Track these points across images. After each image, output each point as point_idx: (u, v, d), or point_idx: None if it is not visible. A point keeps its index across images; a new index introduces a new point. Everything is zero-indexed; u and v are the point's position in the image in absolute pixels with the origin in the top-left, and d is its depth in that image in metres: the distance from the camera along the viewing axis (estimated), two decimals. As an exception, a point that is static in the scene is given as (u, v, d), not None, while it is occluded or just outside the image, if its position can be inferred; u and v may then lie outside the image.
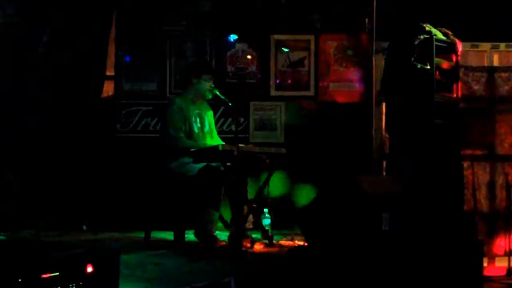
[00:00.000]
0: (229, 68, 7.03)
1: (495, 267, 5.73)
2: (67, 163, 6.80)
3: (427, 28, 5.54)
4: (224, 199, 5.25)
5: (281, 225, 5.71)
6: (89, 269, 3.14)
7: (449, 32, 5.76)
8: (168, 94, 6.94)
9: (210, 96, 5.68)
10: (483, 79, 6.16)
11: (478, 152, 6.04)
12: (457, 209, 5.26)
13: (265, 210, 5.66)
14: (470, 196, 5.92)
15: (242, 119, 6.77)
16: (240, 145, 5.25)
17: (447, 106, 5.60)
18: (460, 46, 5.79)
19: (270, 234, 5.47)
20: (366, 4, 7.03)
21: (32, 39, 7.05)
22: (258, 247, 5.30)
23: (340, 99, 6.95)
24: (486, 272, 5.26)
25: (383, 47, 6.33)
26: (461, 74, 5.90)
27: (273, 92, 7.04)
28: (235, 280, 3.95)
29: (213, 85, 5.60)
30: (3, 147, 6.70)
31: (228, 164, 5.19)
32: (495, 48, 6.92)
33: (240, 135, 5.78)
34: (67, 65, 7.11)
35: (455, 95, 5.71)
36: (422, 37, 5.47)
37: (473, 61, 6.71)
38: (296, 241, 5.48)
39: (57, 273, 2.99)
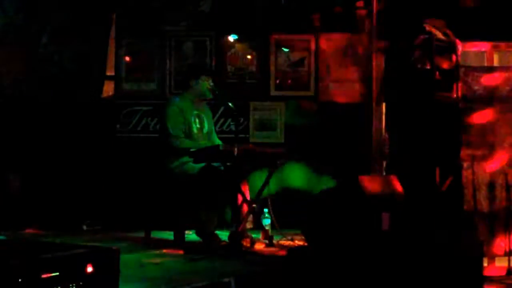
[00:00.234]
0: (229, 68, 7.03)
1: (495, 267, 5.72)
2: (67, 163, 6.81)
3: (427, 28, 5.54)
4: (224, 199, 5.25)
5: (281, 225, 5.70)
6: (89, 269, 3.14)
7: (449, 32, 5.76)
8: (168, 94, 6.94)
9: (210, 96, 5.68)
10: (483, 79, 6.16)
11: (478, 152, 6.03)
12: (457, 209, 5.25)
13: (265, 210, 5.67)
14: (470, 196, 5.92)
15: (242, 119, 6.77)
16: (240, 145, 5.25)
17: (447, 106, 5.59)
18: (460, 46, 5.79)
19: (270, 234, 5.48)
20: (366, 4, 7.04)
21: (32, 39, 7.06)
22: (258, 247, 5.30)
23: (340, 99, 6.95)
24: (486, 272, 5.26)
25: (383, 47, 6.34)
26: (461, 74, 5.90)
27: (273, 92, 7.04)
28: (235, 280, 3.95)
29: (212, 84, 5.61)
30: (4, 147, 6.71)
31: (228, 164, 5.19)
32: (495, 48, 6.93)
33: (240, 135, 5.79)
34: (67, 65, 7.11)
35: (455, 95, 5.70)
36: (422, 37, 5.47)
37: (473, 61, 6.72)
38: (296, 241, 5.48)
39: (57, 273, 2.99)
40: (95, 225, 6.41)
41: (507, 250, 5.75)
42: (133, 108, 6.99)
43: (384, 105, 6.52)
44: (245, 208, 5.38)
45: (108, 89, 7.21)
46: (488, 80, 6.13)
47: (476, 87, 6.13)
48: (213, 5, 7.10)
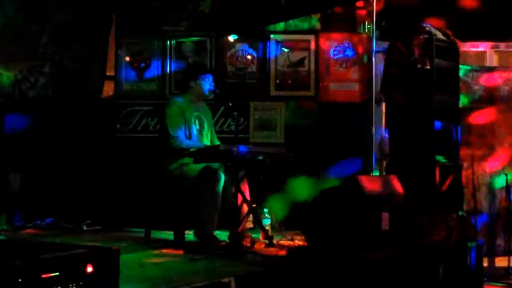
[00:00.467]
0: (229, 68, 7.03)
1: (495, 267, 5.73)
2: (67, 163, 6.81)
3: (427, 28, 5.54)
4: (224, 199, 5.25)
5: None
6: (89, 269, 3.14)
7: (449, 32, 5.76)
8: (168, 94, 6.93)
9: (210, 96, 5.69)
10: (483, 79, 6.16)
11: (478, 152, 6.04)
12: (457, 209, 5.25)
13: (265, 210, 5.67)
14: (470, 196, 5.92)
15: (242, 119, 6.77)
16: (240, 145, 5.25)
17: (447, 106, 5.59)
18: (460, 46, 5.79)
19: (270, 234, 5.48)
20: (366, 4, 7.04)
21: (32, 39, 7.06)
22: (258, 247, 5.30)
23: (340, 99, 6.94)
24: (486, 272, 5.26)
25: (383, 47, 6.34)
26: (461, 74, 5.90)
27: (273, 92, 7.03)
28: (235, 280, 3.96)
29: (212, 84, 5.61)
30: (4, 147, 6.71)
31: (228, 164, 5.19)
32: (495, 48, 6.93)
33: (240, 135, 5.79)
34: (67, 65, 7.12)
35: (455, 95, 5.70)
36: (422, 37, 5.47)
37: (473, 61, 6.72)
38: (296, 241, 5.48)
39: (57, 273, 2.99)
40: (95, 225, 6.41)
41: (507, 250, 5.76)
42: (133, 108, 6.98)
43: (384, 104, 6.52)
44: (245, 208, 5.38)
45: (108, 89, 7.21)
46: (488, 80, 6.14)
47: (476, 87, 6.14)
48: (213, 5, 7.10)
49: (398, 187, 4.85)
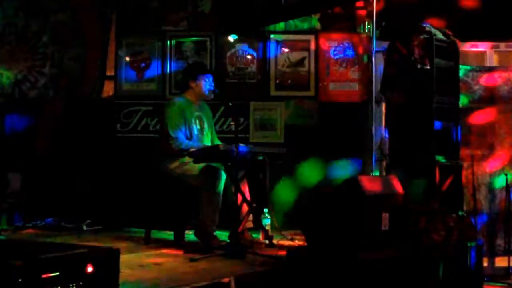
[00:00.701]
0: (229, 68, 7.03)
1: (495, 267, 5.73)
2: (67, 163, 6.81)
3: (427, 28, 5.54)
4: (224, 199, 5.25)
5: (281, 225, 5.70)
6: (89, 269, 3.14)
7: (449, 32, 5.76)
8: (168, 94, 6.93)
9: (211, 96, 5.68)
10: (483, 79, 6.17)
11: (478, 152, 6.04)
12: (457, 209, 5.25)
13: (265, 210, 5.66)
14: (470, 196, 5.93)
15: (242, 119, 6.77)
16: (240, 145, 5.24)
17: (447, 106, 5.60)
18: (459, 46, 5.80)
19: (270, 234, 5.47)
20: (366, 4, 7.04)
21: (32, 39, 7.06)
22: (258, 247, 5.29)
23: (340, 99, 6.94)
24: (486, 272, 5.27)
25: (383, 47, 6.34)
26: (461, 74, 5.90)
27: (273, 92, 7.03)
28: (235, 280, 3.95)
29: (212, 84, 5.61)
30: (4, 147, 6.71)
31: (228, 164, 5.19)
32: (495, 48, 6.93)
33: (240, 135, 5.78)
34: (67, 65, 7.12)
35: (455, 95, 5.71)
36: (422, 37, 5.47)
37: (473, 61, 6.72)
38: (296, 241, 5.47)
39: (57, 273, 2.99)
40: (95, 225, 6.41)
41: (507, 250, 5.76)
42: (133, 108, 6.98)
43: (384, 105, 6.52)
44: (245, 208, 5.38)
45: (108, 89, 7.20)
46: (488, 80, 6.15)
47: (476, 87, 6.15)
48: (213, 5, 7.10)
49: (398, 187, 4.85)
